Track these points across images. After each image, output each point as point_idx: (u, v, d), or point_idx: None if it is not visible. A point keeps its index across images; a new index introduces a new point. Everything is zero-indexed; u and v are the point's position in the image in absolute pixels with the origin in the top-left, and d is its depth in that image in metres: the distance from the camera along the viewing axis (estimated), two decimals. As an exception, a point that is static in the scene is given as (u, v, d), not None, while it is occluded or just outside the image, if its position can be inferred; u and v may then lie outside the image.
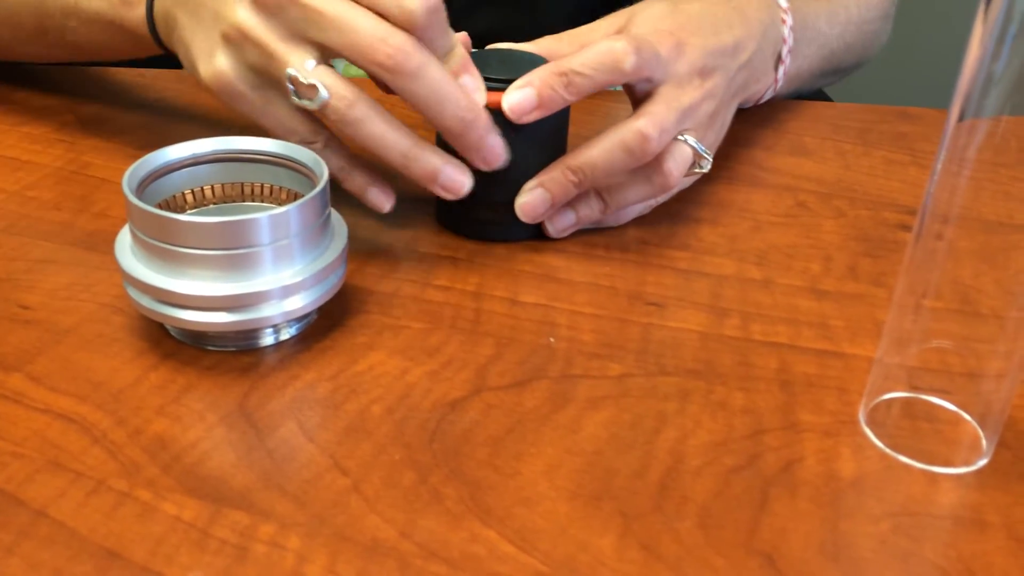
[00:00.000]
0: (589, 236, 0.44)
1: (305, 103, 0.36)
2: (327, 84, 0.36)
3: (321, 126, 0.39)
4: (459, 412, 0.33)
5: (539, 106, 0.39)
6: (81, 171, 0.46)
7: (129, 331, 0.36)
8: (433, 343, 0.36)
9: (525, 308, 0.38)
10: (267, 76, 0.37)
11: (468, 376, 0.34)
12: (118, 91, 0.56)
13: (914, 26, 1.59)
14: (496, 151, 0.38)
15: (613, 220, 0.44)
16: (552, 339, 0.37)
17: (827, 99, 0.70)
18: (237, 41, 0.37)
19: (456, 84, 0.37)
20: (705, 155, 0.43)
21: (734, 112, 0.48)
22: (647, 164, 0.41)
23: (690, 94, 0.42)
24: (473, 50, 0.42)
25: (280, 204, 0.38)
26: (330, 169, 0.37)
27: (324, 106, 0.36)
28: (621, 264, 0.42)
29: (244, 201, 0.39)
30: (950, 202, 0.31)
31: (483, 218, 0.42)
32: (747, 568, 0.27)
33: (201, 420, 0.32)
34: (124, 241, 0.35)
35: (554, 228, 0.43)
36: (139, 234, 0.34)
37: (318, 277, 0.35)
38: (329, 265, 0.35)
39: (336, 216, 0.37)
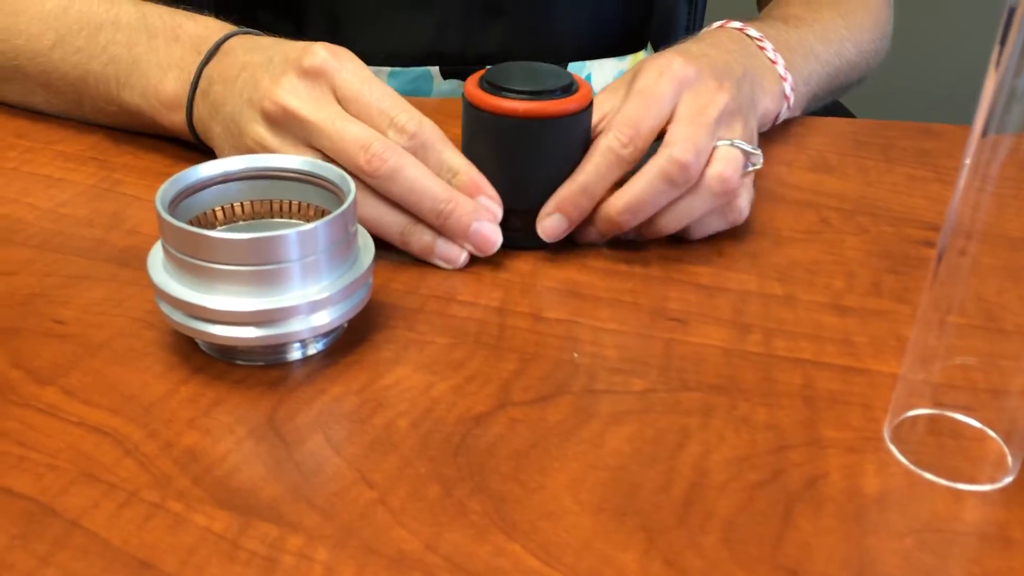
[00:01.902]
0: (611, 252, 0.44)
1: None
2: None
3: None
4: (483, 426, 0.33)
5: (570, 226, 0.42)
6: (113, 188, 0.47)
7: (160, 345, 0.36)
8: (458, 358, 0.36)
9: (548, 324, 0.39)
10: None
11: (492, 391, 0.35)
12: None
13: (936, 41, 1.59)
14: (483, 237, 0.41)
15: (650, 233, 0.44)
16: (576, 354, 0.37)
17: (849, 115, 0.71)
18: (258, 151, 0.42)
19: (433, 179, 0.40)
20: (753, 151, 0.44)
21: (756, 120, 0.49)
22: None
23: (711, 102, 0.43)
24: (492, 66, 0.42)
25: (308, 220, 0.38)
26: (392, 236, 0.41)
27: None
28: (643, 280, 0.42)
29: (272, 217, 0.39)
30: (973, 218, 0.31)
31: (509, 227, 0.42)
32: (771, 583, 0.27)
33: (231, 433, 0.32)
34: (156, 257, 0.36)
35: (580, 237, 0.44)
36: (171, 250, 0.34)
37: (345, 292, 0.36)
38: (356, 281, 0.36)
39: (363, 232, 0.38)
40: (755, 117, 0.49)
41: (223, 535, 0.28)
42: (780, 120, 0.56)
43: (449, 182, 0.41)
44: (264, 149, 0.42)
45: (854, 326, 0.39)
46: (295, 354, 0.37)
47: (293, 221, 0.39)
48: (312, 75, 0.41)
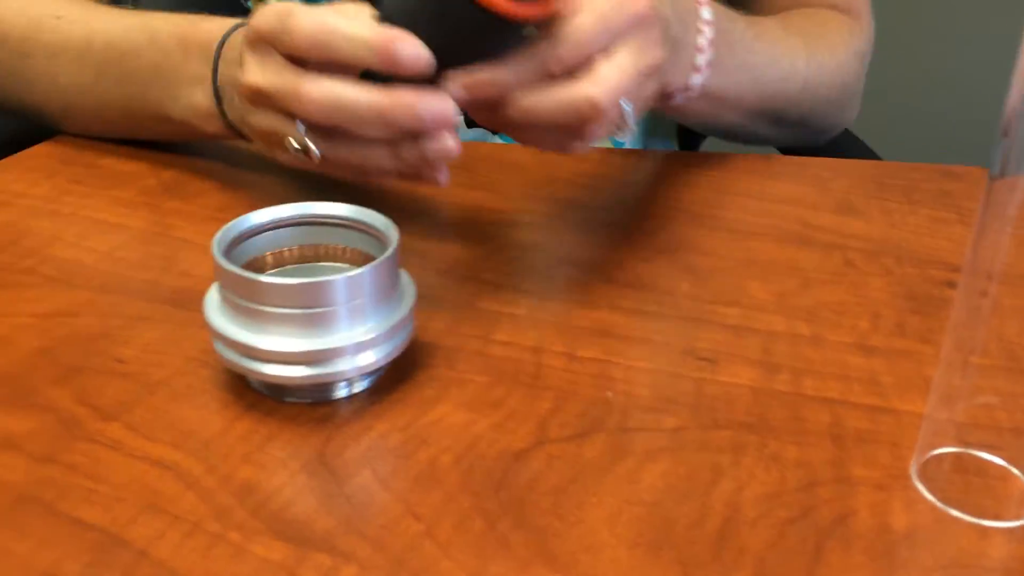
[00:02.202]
0: (641, 294, 0.46)
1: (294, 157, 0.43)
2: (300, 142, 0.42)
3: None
4: (523, 463, 0.35)
5: (468, 106, 0.41)
6: (165, 232, 0.50)
7: (215, 383, 0.38)
8: (496, 396, 0.38)
9: (583, 363, 0.40)
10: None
11: (530, 428, 0.36)
12: (195, 157, 0.59)
13: (954, 85, 1.60)
14: (440, 111, 0.39)
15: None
16: (610, 393, 0.38)
17: (875, 157, 0.72)
18: (264, 137, 0.45)
19: (363, 90, 0.39)
20: (631, 125, 0.43)
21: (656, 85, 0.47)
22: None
23: (649, 59, 0.43)
24: None
25: (353, 264, 0.40)
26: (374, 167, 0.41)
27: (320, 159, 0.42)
28: (673, 320, 0.44)
29: (320, 261, 0.41)
30: (993, 260, 0.33)
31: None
32: (803, 615, 0.29)
33: (284, 467, 0.34)
34: (212, 299, 0.38)
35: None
36: (226, 293, 0.36)
37: (389, 334, 0.37)
38: (399, 322, 0.38)
39: (405, 276, 0.40)
40: (659, 83, 0.48)
41: (281, 564, 0.30)
42: (672, 103, 0.53)
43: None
44: (265, 135, 0.44)
45: (880, 366, 0.41)
46: (341, 392, 0.38)
47: (339, 265, 0.41)
48: (258, 45, 0.42)
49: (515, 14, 0.37)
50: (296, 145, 0.42)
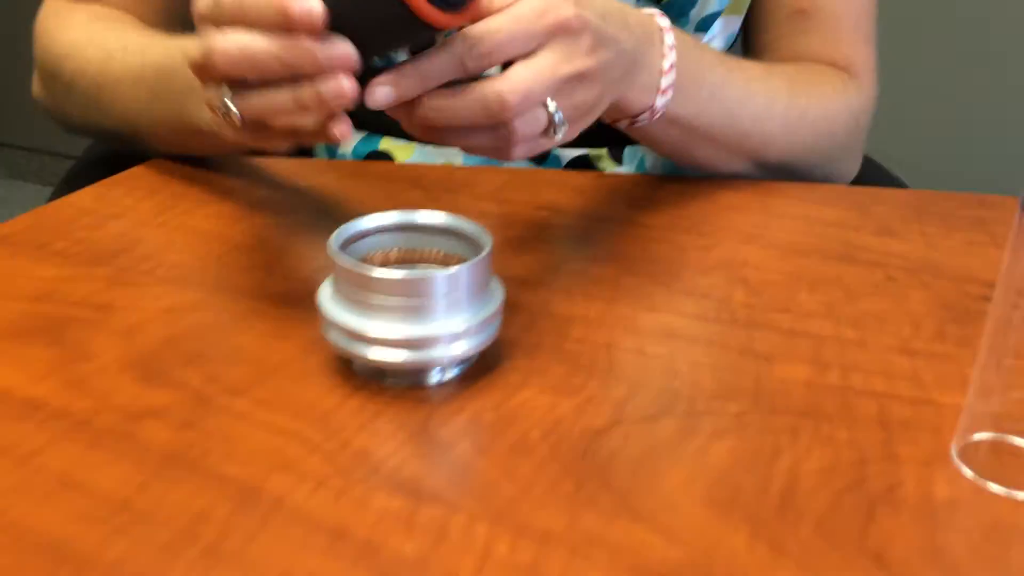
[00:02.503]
0: (700, 302, 0.50)
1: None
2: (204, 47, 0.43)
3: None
4: (603, 439, 0.39)
5: (395, 101, 0.43)
6: (261, 244, 0.55)
7: (323, 369, 0.43)
8: (575, 384, 0.42)
9: (651, 358, 0.45)
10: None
11: (607, 411, 0.41)
12: (279, 179, 0.65)
13: (988, 120, 1.64)
14: (302, 7, 0.39)
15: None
16: (677, 383, 0.43)
17: (903, 185, 0.76)
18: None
19: (259, 45, 0.41)
20: (560, 124, 0.46)
21: (606, 104, 0.51)
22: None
23: (573, 60, 0.45)
24: None
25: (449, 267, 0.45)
26: (279, 119, 0.42)
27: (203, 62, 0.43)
28: (730, 324, 0.48)
29: (418, 263, 0.46)
30: (1024, 276, 0.37)
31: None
32: (859, 564, 0.33)
33: (393, 438, 0.38)
34: (325, 292, 0.42)
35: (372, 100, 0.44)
36: (339, 285, 0.41)
37: (480, 327, 0.42)
38: (489, 317, 0.42)
39: (495, 279, 0.44)
40: (610, 96, 0.50)
41: (399, 513, 0.34)
42: (637, 124, 0.56)
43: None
44: (212, 110, 0.45)
45: (922, 366, 0.45)
46: (435, 378, 0.43)
47: (437, 267, 0.46)
48: (201, 25, 0.44)
49: (437, 21, 0.40)
50: (222, 108, 0.43)
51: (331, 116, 0.42)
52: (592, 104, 0.49)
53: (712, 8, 0.69)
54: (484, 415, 0.40)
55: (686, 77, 0.56)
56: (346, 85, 0.41)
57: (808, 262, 0.55)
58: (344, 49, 0.40)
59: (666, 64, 0.54)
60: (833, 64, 0.72)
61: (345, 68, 0.41)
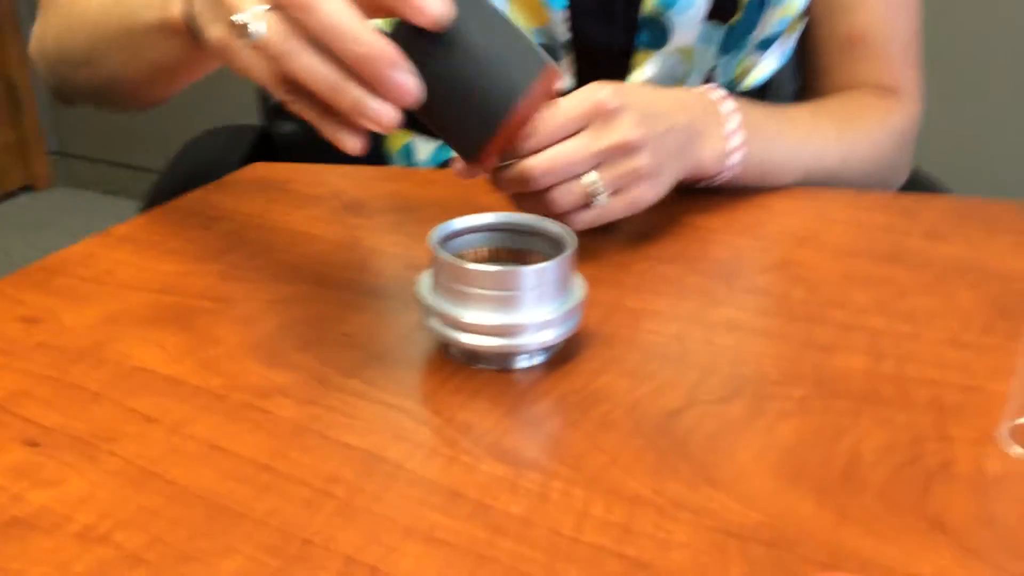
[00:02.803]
0: (760, 299, 0.54)
1: (247, 42, 0.42)
2: (264, 21, 0.41)
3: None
4: (679, 417, 0.43)
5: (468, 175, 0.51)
6: (356, 244, 0.60)
7: (422, 354, 0.47)
8: (650, 369, 0.47)
9: (719, 348, 0.49)
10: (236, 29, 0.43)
11: (681, 393, 0.45)
12: (363, 185, 0.70)
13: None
14: (403, 87, 0.41)
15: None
16: (745, 370, 0.47)
17: (948, 191, 0.80)
18: (220, 4, 0.44)
19: (355, 19, 0.40)
20: (596, 195, 0.54)
21: (675, 172, 0.59)
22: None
23: (612, 133, 0.53)
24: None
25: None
26: (312, 120, 0.43)
27: (261, 41, 0.41)
28: (789, 319, 0.52)
29: (508, 262, 0.50)
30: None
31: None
32: (918, 528, 0.36)
33: (490, 414, 0.43)
34: (425, 283, 0.47)
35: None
36: (438, 277, 0.46)
37: (564, 317, 0.46)
38: (573, 309, 0.47)
39: (578, 276, 0.49)
40: (677, 165, 0.59)
41: (504, 478, 0.38)
42: (717, 182, 0.64)
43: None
44: (220, 3, 0.43)
45: (972, 357, 0.48)
46: (522, 363, 0.47)
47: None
48: None
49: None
50: (247, 18, 0.42)
51: (356, 126, 0.43)
52: (647, 172, 0.56)
53: (773, 30, 0.74)
54: (569, 396, 0.45)
55: (752, 133, 0.64)
56: (391, 116, 0.42)
57: (860, 263, 0.59)
58: (413, 85, 0.42)
59: (731, 126, 0.62)
60: (881, 86, 0.78)
61: (403, 100, 0.42)
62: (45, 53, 0.70)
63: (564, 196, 0.54)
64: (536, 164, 0.52)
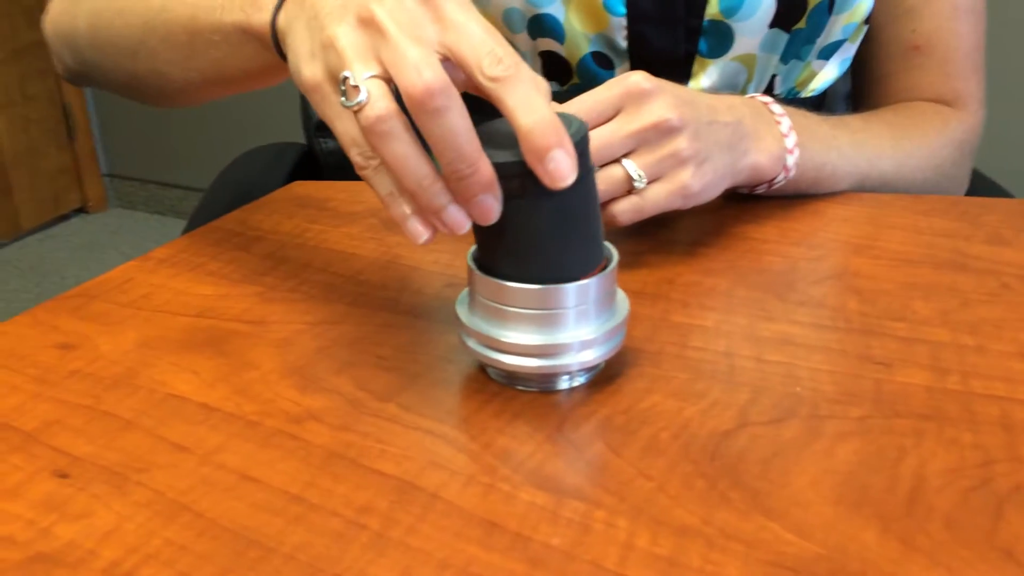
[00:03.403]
0: (815, 311, 0.52)
1: (345, 101, 0.39)
2: (371, 92, 0.39)
3: None
4: (731, 440, 0.41)
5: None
6: (394, 261, 0.59)
7: (461, 376, 0.46)
8: (699, 389, 0.45)
9: (771, 365, 0.47)
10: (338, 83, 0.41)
11: (733, 414, 0.43)
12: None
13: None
14: (485, 209, 0.39)
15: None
16: (799, 388, 0.44)
17: (1010, 195, 0.77)
18: (327, 49, 0.41)
19: (470, 138, 0.38)
20: (638, 178, 0.53)
21: (725, 167, 0.57)
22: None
23: (646, 114, 0.52)
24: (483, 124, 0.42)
25: (572, 280, 0.48)
26: (380, 193, 0.41)
27: (361, 110, 0.39)
28: (847, 332, 0.50)
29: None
30: None
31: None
32: (991, 559, 0.34)
33: (531, 438, 0.41)
34: (463, 303, 0.46)
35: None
36: (477, 296, 0.44)
37: (607, 336, 0.44)
38: (615, 327, 0.45)
39: (621, 292, 0.47)
40: (727, 159, 0.57)
41: (544, 507, 0.37)
42: (776, 185, 0.63)
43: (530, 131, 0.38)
44: (331, 47, 0.40)
45: (1043, 370, 0.45)
46: (564, 384, 0.45)
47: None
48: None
49: None
50: (352, 82, 0.39)
51: (430, 224, 0.41)
52: (689, 156, 0.54)
53: (836, 37, 0.72)
54: (615, 418, 0.43)
55: (804, 135, 0.62)
56: (464, 227, 0.40)
57: (920, 271, 0.56)
58: (495, 213, 0.40)
59: (784, 128, 0.61)
60: (940, 98, 0.76)
61: (479, 222, 0.40)
62: (70, 34, 0.65)
63: (605, 182, 0.53)
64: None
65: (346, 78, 0.39)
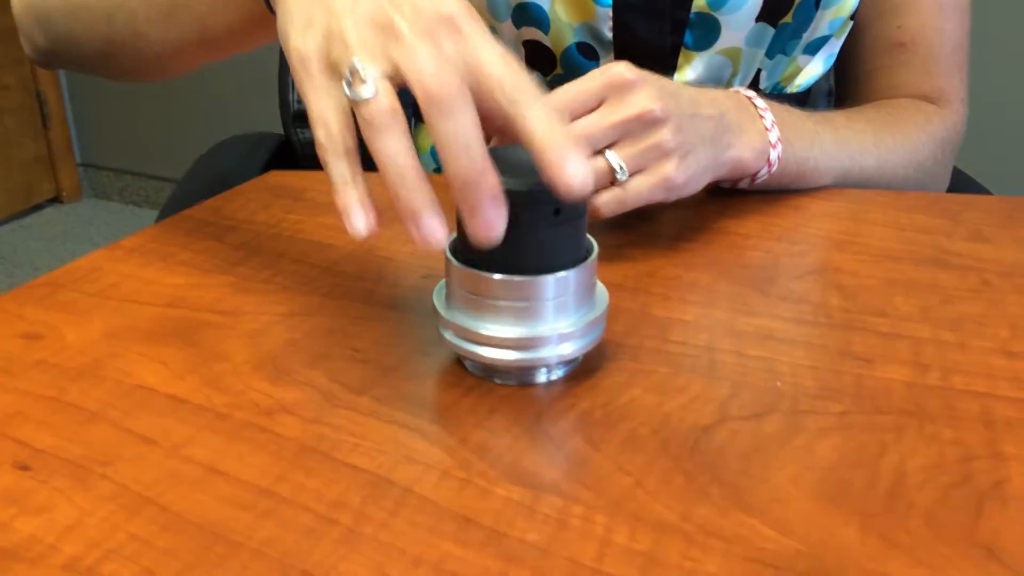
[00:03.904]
0: (796, 306, 0.51)
1: (350, 92, 0.38)
2: (379, 88, 0.38)
3: (351, 133, 0.40)
4: (710, 435, 0.40)
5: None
6: (370, 252, 0.58)
7: (437, 369, 0.45)
8: (679, 383, 0.44)
9: (752, 359, 0.46)
10: (336, 70, 0.40)
11: (713, 409, 0.42)
12: (380, 191, 0.67)
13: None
14: (489, 222, 0.37)
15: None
16: (779, 383, 0.44)
17: (988, 193, 0.77)
18: (331, 35, 0.40)
19: (481, 143, 0.37)
20: (618, 168, 0.52)
21: (709, 160, 0.56)
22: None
23: (628, 106, 0.51)
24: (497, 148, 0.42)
25: (551, 272, 0.47)
26: (332, 177, 0.39)
27: (366, 103, 0.38)
28: (828, 327, 0.49)
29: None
30: None
31: None
32: (971, 556, 0.33)
33: (508, 432, 0.40)
34: (440, 294, 0.45)
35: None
36: (454, 288, 0.43)
37: (586, 329, 0.44)
38: (595, 319, 0.44)
39: (601, 285, 0.46)
40: (711, 152, 0.56)
41: (521, 502, 0.36)
42: (759, 180, 0.62)
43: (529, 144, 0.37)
44: (338, 36, 0.39)
45: (1023, 367, 0.45)
46: (542, 377, 0.45)
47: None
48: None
49: None
50: (361, 74, 0.38)
51: (373, 218, 0.40)
52: (672, 148, 0.53)
53: (822, 32, 0.71)
54: (594, 413, 0.42)
55: (787, 130, 0.62)
56: (440, 243, 0.38)
57: (901, 267, 0.56)
58: (500, 230, 0.38)
59: (767, 122, 0.61)
60: (923, 96, 0.76)
61: (478, 239, 0.38)
62: (40, 4, 0.63)
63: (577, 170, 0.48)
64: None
65: (355, 70, 0.38)
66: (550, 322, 0.43)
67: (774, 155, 0.61)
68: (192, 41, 0.55)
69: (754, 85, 0.73)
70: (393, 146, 0.38)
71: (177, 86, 2.58)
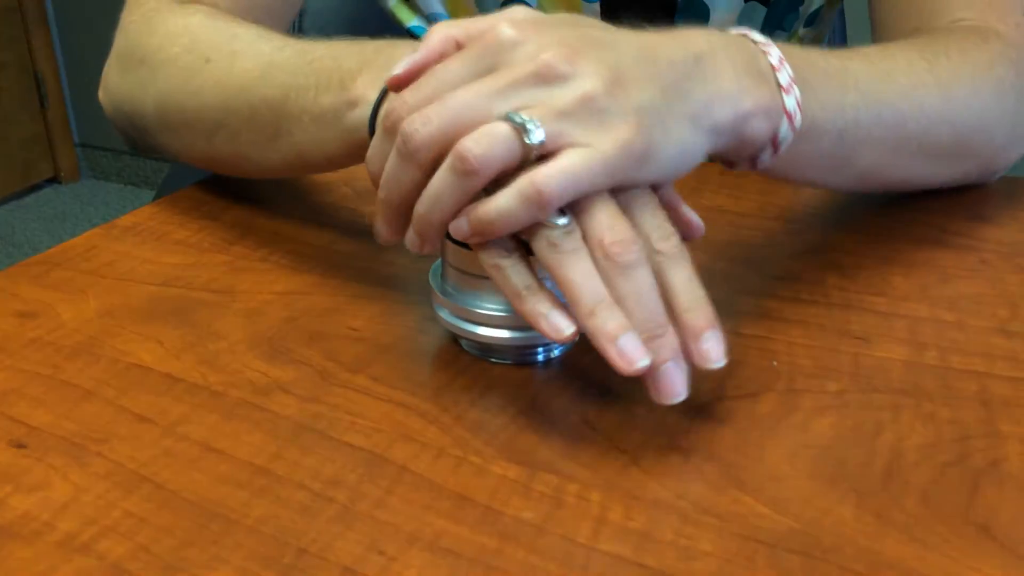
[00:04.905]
0: (793, 285, 0.51)
1: (552, 225, 0.38)
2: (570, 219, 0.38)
3: (518, 244, 0.40)
4: (706, 413, 0.40)
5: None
6: (366, 231, 0.57)
7: (433, 348, 0.45)
8: (676, 363, 0.44)
9: (748, 339, 0.46)
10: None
11: (709, 387, 0.42)
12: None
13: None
14: (669, 381, 0.37)
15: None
16: (775, 362, 0.44)
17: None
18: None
19: (657, 296, 0.38)
20: (527, 126, 0.37)
21: (683, 118, 0.40)
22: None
23: (515, 64, 0.39)
24: None
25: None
26: (514, 286, 0.39)
27: (563, 232, 0.38)
28: (826, 307, 0.49)
29: (517, 249, 0.48)
30: None
31: None
32: (966, 534, 0.33)
33: (504, 411, 0.40)
34: (436, 273, 0.45)
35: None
36: (451, 266, 0.43)
37: (583, 307, 0.43)
38: (591, 298, 0.44)
39: (595, 260, 0.46)
40: (680, 107, 0.40)
41: (516, 480, 0.36)
42: (783, 143, 0.44)
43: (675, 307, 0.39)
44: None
45: (1020, 346, 0.45)
46: (539, 357, 0.45)
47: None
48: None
49: None
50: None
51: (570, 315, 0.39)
52: (603, 107, 0.38)
53: (817, 3, 0.70)
54: (589, 391, 0.42)
55: (805, 69, 0.45)
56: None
57: (899, 246, 0.55)
58: (677, 382, 0.38)
59: (773, 59, 0.44)
60: (975, 29, 0.59)
61: (667, 394, 0.38)
62: (136, 114, 0.60)
63: (475, 140, 0.37)
64: (412, 119, 0.39)
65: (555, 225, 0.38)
66: (547, 301, 0.43)
67: (791, 102, 0.43)
68: (292, 164, 0.53)
69: None
70: (580, 268, 0.38)
71: (175, 66, 2.56)
